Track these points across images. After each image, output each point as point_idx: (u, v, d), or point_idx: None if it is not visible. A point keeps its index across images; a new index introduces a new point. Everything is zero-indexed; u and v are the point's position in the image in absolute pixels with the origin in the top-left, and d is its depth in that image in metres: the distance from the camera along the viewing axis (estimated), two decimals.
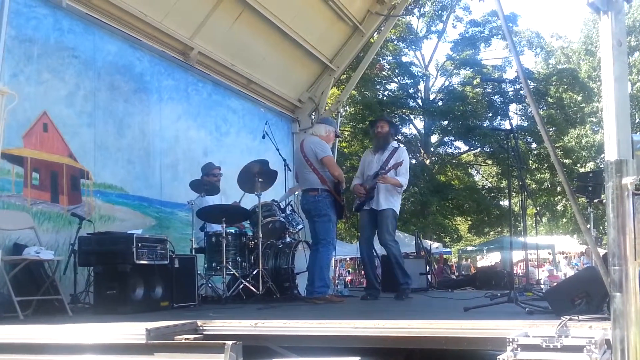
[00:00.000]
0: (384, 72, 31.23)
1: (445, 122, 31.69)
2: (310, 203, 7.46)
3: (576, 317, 3.67)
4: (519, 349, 3.16)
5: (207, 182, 8.34)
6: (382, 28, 13.29)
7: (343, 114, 26.91)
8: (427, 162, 31.51)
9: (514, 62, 32.76)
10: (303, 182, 7.62)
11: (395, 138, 8.40)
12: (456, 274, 24.02)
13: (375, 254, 8.52)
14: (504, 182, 29.76)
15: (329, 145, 7.81)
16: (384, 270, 9.25)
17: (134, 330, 3.87)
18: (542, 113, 31.95)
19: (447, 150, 33.62)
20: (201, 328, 4.25)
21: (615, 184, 3.00)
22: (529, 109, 29.95)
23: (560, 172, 3.30)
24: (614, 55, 3.09)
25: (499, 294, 6.39)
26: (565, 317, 3.51)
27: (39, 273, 6.22)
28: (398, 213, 7.87)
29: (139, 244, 6.11)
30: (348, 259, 28.22)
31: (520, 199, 7.31)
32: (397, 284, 7.70)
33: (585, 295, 4.09)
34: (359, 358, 3.54)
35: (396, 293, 7.62)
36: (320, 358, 3.53)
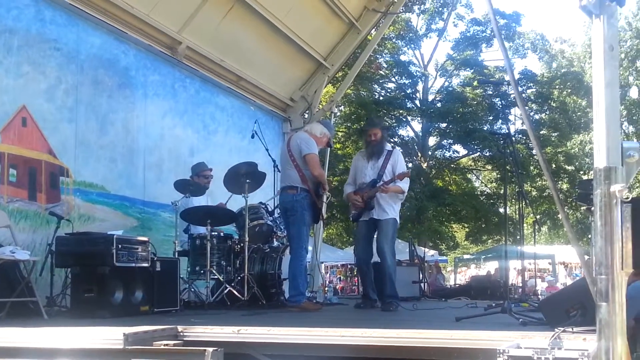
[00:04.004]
0: (380, 72, 30.78)
1: (444, 125, 30.94)
2: (287, 202, 7.18)
3: (570, 329, 3.65)
4: None
5: (194, 182, 8.16)
6: (380, 25, 13.07)
7: (338, 113, 26.70)
8: (424, 165, 30.84)
9: (515, 64, 32.40)
10: (284, 178, 7.38)
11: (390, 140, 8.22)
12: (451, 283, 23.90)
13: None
14: (503, 188, 29.23)
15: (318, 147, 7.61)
16: (375, 277, 9.06)
17: (111, 335, 3.87)
18: (544, 117, 31.64)
19: (445, 153, 32.75)
20: (182, 334, 4.24)
21: (603, 191, 3.01)
22: (531, 113, 29.56)
23: (549, 178, 3.37)
24: (605, 60, 3.08)
25: (493, 304, 6.39)
26: (559, 328, 3.54)
27: (14, 274, 6.06)
28: (398, 222, 7.65)
29: (119, 246, 6.03)
30: (339, 266, 27.95)
31: (519, 206, 7.15)
32: (383, 294, 7.41)
33: (581, 306, 4.04)
34: None
35: (382, 304, 7.28)
36: None
